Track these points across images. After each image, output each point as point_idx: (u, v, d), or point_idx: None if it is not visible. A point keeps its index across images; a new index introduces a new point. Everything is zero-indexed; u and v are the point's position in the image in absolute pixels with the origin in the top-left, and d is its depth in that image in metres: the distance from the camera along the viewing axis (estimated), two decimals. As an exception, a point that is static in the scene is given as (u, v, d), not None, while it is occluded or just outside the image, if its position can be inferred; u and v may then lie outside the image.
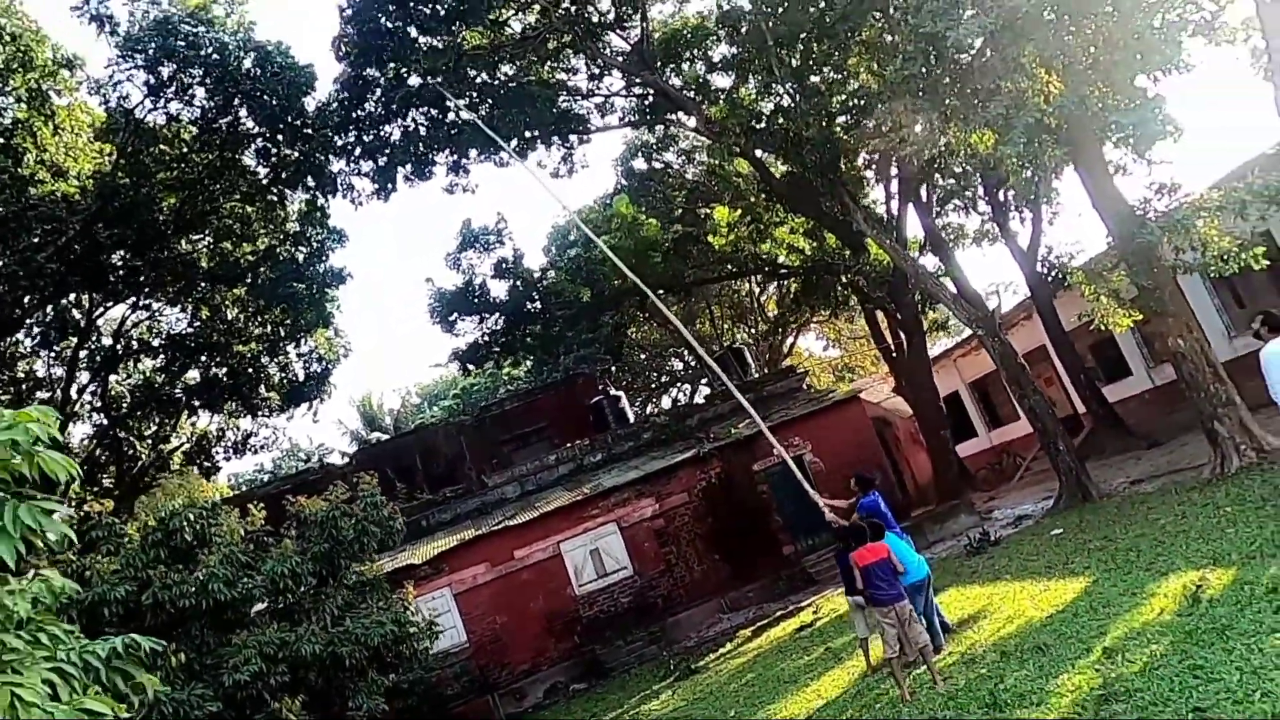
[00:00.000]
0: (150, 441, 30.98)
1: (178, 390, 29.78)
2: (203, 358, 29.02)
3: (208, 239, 26.54)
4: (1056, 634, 9.13)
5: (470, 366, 30.03)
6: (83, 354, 28.53)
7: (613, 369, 34.46)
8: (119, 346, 30.30)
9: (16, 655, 2.67)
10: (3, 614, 2.75)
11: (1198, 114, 28.43)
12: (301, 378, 29.85)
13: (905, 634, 9.11)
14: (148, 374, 31.29)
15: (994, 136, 15.63)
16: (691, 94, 25.13)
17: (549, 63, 26.41)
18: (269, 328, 27.71)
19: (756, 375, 29.15)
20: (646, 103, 27.68)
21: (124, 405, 30.24)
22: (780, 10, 20.10)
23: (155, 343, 30.36)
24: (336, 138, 23.73)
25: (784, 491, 22.40)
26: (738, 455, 22.54)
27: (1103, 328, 16.89)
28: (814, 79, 20.89)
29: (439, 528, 22.83)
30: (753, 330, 42.81)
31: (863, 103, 20.60)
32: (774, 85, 24.07)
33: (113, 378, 30.53)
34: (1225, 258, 14.21)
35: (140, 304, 29.17)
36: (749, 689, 12.62)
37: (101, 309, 28.72)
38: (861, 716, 9.13)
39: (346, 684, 10.96)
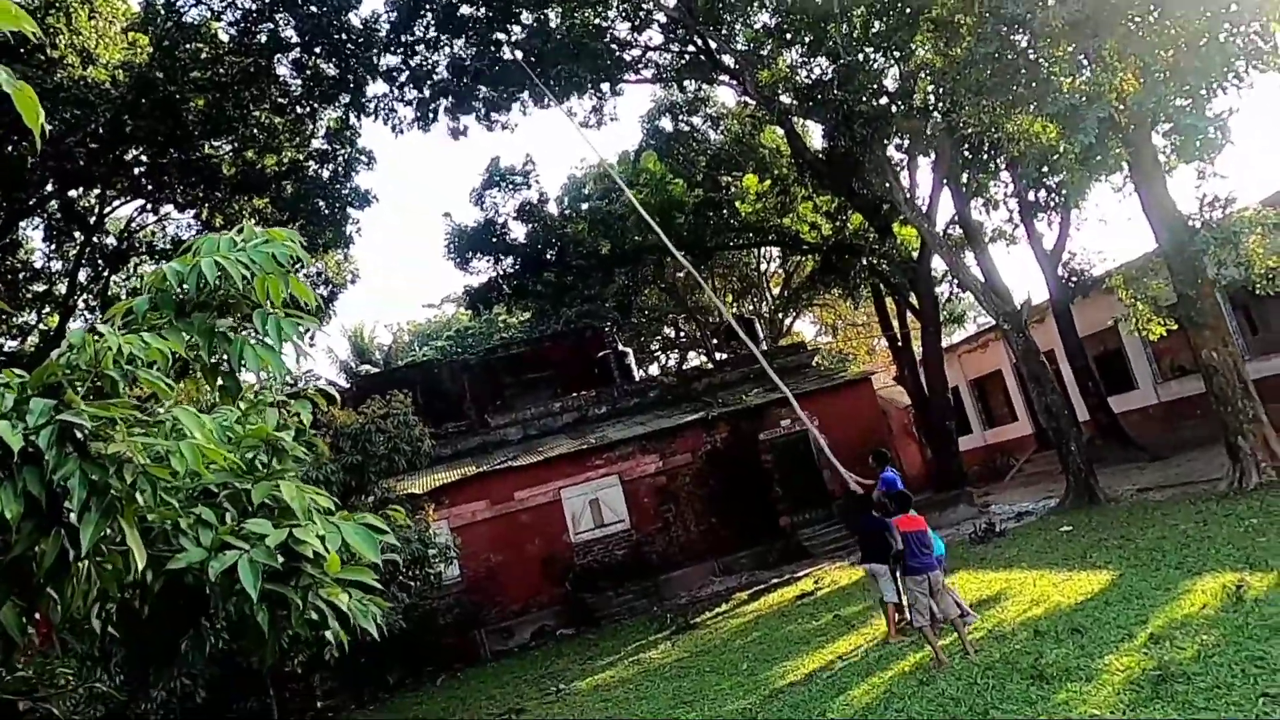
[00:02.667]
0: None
1: (177, 297, 29.33)
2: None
3: (232, 145, 26.01)
4: (1091, 619, 9.25)
5: (480, 306, 29.81)
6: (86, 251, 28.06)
7: (619, 325, 34.33)
8: (124, 246, 29.85)
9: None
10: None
11: (1256, 128, 28.46)
12: (309, 303, 29.47)
13: (937, 603, 9.22)
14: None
15: (1056, 130, 15.61)
16: (735, 58, 24.86)
17: (595, 8, 26.05)
18: (284, 242, 27.30)
19: (766, 348, 29.15)
20: (684, 60, 27.43)
21: (122, 306, 29.75)
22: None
23: (161, 246, 29.89)
24: (382, 59, 23.28)
25: (787, 463, 22.57)
26: (745, 423, 22.61)
27: (1134, 333, 17.00)
28: (870, 51, 20.69)
29: (439, 462, 22.74)
30: (755, 305, 42.87)
31: (917, 81, 20.49)
32: (818, 56, 23.94)
33: (114, 278, 30.06)
34: (1271, 276, 14.34)
35: (152, 205, 28.67)
36: (757, 646, 12.71)
37: (112, 205, 28.22)
38: (894, 678, 9.22)
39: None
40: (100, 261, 29.67)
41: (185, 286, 2.60)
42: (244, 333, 2.74)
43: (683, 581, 20.89)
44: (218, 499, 2.59)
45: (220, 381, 2.78)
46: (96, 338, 2.40)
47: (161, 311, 2.66)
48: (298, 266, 2.91)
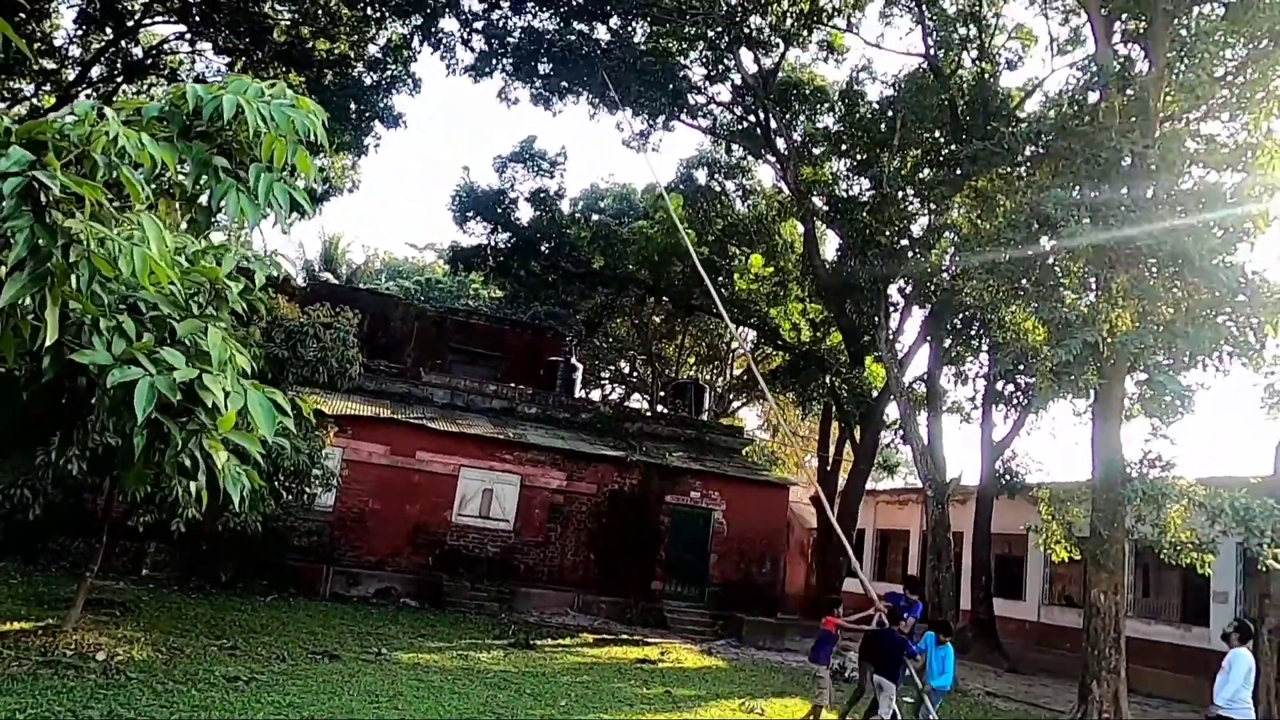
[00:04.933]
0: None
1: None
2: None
3: (293, 14, 25.79)
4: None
5: (460, 266, 29.67)
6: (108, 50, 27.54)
7: (580, 340, 34.34)
8: (147, 62, 29.31)
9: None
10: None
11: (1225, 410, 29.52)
12: (301, 185, 29.14)
13: None
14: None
15: (1045, 335, 16.09)
16: (787, 145, 25.35)
17: (680, 43, 26.43)
18: (301, 127, 27.00)
19: (707, 418, 29.33)
20: (741, 126, 27.89)
21: (121, 118, 29.13)
22: (907, 117, 20.52)
23: (183, 78, 29.38)
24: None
25: (681, 533, 22.63)
26: (659, 479, 22.66)
27: (1039, 547, 17.40)
28: (910, 191, 21.27)
29: (358, 392, 22.39)
30: (712, 376, 43.20)
31: (940, 237, 21.04)
32: (862, 176, 24.53)
33: (125, 87, 29.46)
34: (1178, 548, 14.83)
35: (191, 37, 28.25)
36: (582, 689, 12.63)
37: (153, 19, 27.76)
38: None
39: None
40: (118, 66, 29.09)
41: (201, 111, 2.58)
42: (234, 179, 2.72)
43: (540, 601, 20.72)
44: (144, 317, 2.55)
45: (193, 214, 2.76)
46: (98, 118, 2.38)
47: (168, 125, 2.64)
48: (310, 140, 2.90)
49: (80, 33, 28.59)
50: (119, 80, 28.92)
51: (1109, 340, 14.08)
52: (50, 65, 28.85)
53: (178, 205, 2.71)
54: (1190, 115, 17.12)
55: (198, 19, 25.17)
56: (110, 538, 12.66)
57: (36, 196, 2.02)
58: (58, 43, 29.08)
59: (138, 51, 29.22)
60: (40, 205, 2.02)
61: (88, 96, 29.13)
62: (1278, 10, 15.44)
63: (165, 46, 29.26)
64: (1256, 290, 14.80)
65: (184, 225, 2.79)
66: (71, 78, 28.28)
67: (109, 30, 27.40)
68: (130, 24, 27.27)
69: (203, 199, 2.71)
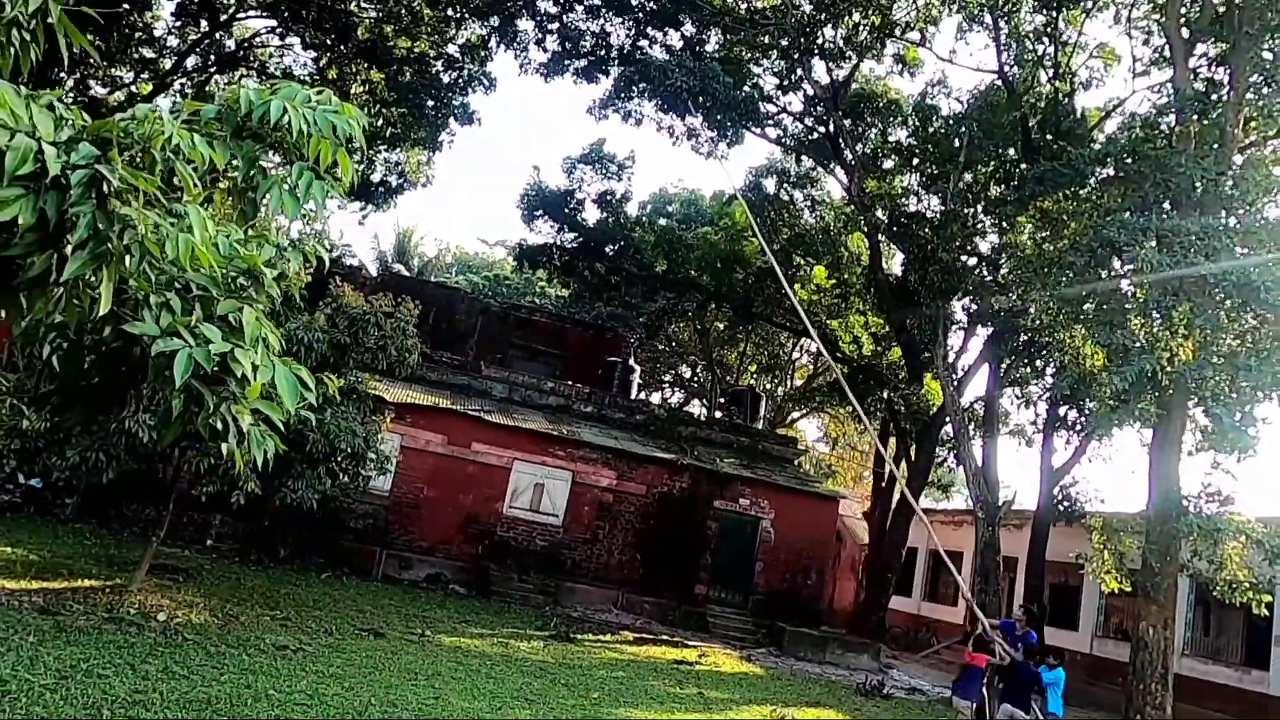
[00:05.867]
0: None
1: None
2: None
3: (377, 12, 26.62)
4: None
5: (526, 263, 30.23)
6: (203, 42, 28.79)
7: (641, 342, 34.63)
8: (239, 54, 30.53)
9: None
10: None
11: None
12: (376, 179, 30.04)
13: None
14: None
15: (1104, 359, 15.82)
16: (856, 157, 25.24)
17: (753, 52, 26.50)
18: (380, 121, 27.85)
19: (762, 426, 29.34)
20: (812, 137, 27.81)
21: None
22: (976, 134, 20.31)
23: (272, 70, 30.54)
24: (543, 1, 23.85)
25: (728, 540, 22.73)
26: (709, 484, 22.81)
27: (1093, 577, 17.10)
28: (978, 209, 21.05)
29: (419, 382, 23.02)
30: (772, 385, 43.08)
31: (1005, 256, 20.77)
32: (930, 192, 24.29)
33: (217, 78, 30.74)
34: (1234, 585, 14.45)
35: (281, 31, 29.36)
36: (616, 684, 12.87)
37: (246, 13, 28.92)
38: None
39: (295, 464, 11.23)
40: (211, 57, 30.35)
41: (253, 114, 2.90)
42: (281, 173, 3.04)
43: (583, 597, 21.04)
44: (190, 295, 2.88)
45: (241, 206, 3.08)
46: (158, 119, 2.71)
47: (223, 125, 2.96)
48: (351, 144, 3.20)
49: (178, 24, 29.91)
50: (212, 71, 30.19)
51: (1168, 369, 13.81)
52: (149, 54, 30.26)
53: (230, 198, 3.03)
54: (1272, 143, 16.68)
55: (287, 15, 26.15)
56: (177, 508, 13.33)
57: (100, 186, 2.35)
58: (157, 33, 30.44)
59: (231, 44, 30.47)
60: (103, 194, 2.35)
61: (182, 85, 30.50)
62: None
63: (256, 40, 30.45)
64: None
65: (232, 215, 3.12)
66: (168, 66, 29.61)
67: (204, 22, 28.63)
68: (224, 18, 28.46)
69: (251, 193, 3.03)
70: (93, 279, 2.46)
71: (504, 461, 21.39)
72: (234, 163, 2.93)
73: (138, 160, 2.63)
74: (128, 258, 2.47)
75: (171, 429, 2.90)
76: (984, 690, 11.79)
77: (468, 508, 21.03)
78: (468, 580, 20.15)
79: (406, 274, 44.83)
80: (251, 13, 28.94)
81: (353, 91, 28.62)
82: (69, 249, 2.41)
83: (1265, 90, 15.68)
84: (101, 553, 15.01)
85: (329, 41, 26.54)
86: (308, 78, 29.19)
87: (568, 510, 21.74)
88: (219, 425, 2.81)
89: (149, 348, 2.62)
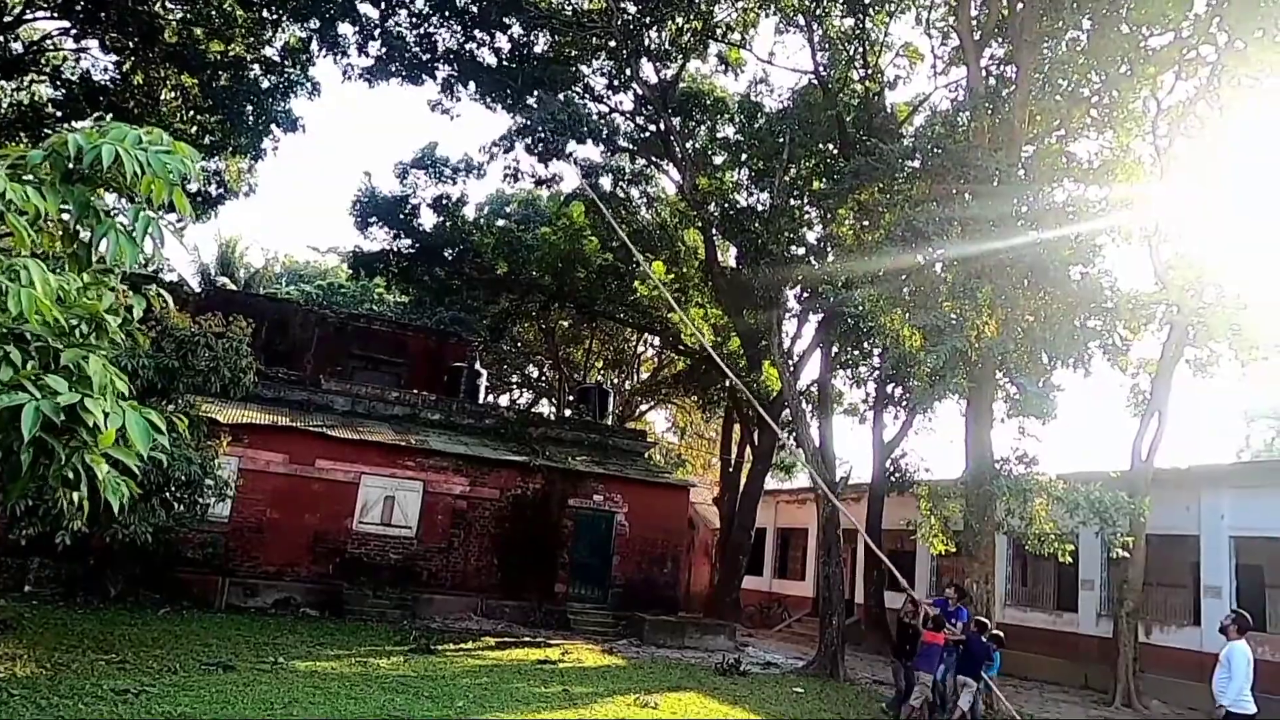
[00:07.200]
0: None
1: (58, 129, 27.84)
2: (105, 115, 27.21)
3: (184, 13, 25.17)
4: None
5: (362, 271, 29.42)
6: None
7: (485, 345, 34.38)
8: (27, 58, 28.17)
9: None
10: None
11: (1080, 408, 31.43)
12: (194, 189, 28.43)
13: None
14: (37, 99, 29.10)
15: (921, 340, 17.08)
16: (685, 155, 26.00)
17: (581, 52, 26.81)
18: (195, 129, 26.37)
19: (611, 422, 29.78)
20: (644, 135, 28.41)
21: (-5, 115, 27.93)
22: (797, 132, 21.39)
23: (68, 76, 28.37)
24: (362, 3, 23.28)
25: (585, 537, 23.01)
26: (562, 483, 23.00)
27: (923, 542, 18.40)
28: (804, 203, 22.16)
29: (255, 400, 22.05)
30: (618, 381, 43.71)
31: (831, 247, 21.97)
32: (758, 187, 25.36)
33: (2, 82, 28.27)
34: (1042, 539, 15.97)
35: (76, 33, 27.28)
36: (480, 690, 12.89)
37: (34, 14, 26.72)
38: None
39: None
40: (-5, 61, 27.86)
41: (83, 158, 2.86)
42: (115, 216, 3.00)
43: (443, 607, 20.80)
44: (29, 346, 2.81)
45: (74, 249, 3.02)
46: (-14, 171, 2.64)
47: (51, 170, 2.90)
48: (186, 182, 3.19)
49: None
50: (-6, 77, 27.70)
51: (976, 346, 15.10)
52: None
53: (55, 237, 2.96)
54: (1055, 134, 18.41)
55: (82, 15, 24.32)
56: (-9, 554, 12.32)
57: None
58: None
59: (17, 47, 28.05)
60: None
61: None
62: (1129, 42, 16.79)
63: (47, 43, 28.18)
64: (1121, 298, 16.13)
65: (65, 261, 3.04)
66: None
67: (-14, 25, 26.24)
68: (8, 19, 26.17)
69: (85, 235, 2.98)
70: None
71: (351, 476, 20.84)
72: (64, 207, 2.89)
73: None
74: (-38, 314, 2.41)
75: (20, 483, 2.82)
76: (941, 663, 13.19)
77: (315, 527, 20.37)
78: (320, 602, 19.55)
79: (233, 288, 42.64)
80: (40, 14, 26.74)
81: (162, 98, 26.94)
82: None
83: (1046, 88, 17.34)
84: (-99, 612, 13.67)
85: (132, 45, 24.88)
86: (109, 83, 27.26)
87: (421, 521, 21.41)
88: (70, 475, 2.77)
89: (-12, 403, 2.55)
